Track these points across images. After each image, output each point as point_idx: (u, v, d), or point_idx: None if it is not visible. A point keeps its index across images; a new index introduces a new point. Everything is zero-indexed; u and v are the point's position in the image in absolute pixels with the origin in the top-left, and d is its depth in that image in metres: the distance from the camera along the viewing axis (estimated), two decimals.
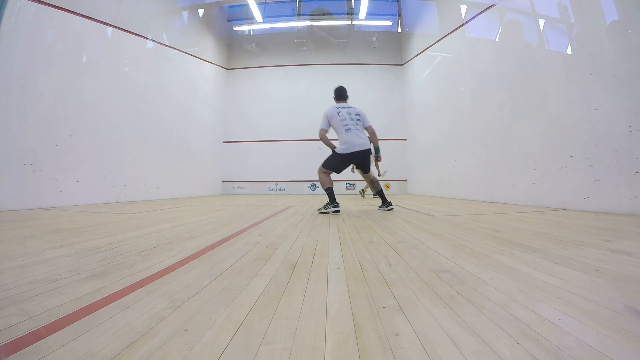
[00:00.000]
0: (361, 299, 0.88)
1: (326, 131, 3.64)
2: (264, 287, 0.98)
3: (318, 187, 9.10)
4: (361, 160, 3.67)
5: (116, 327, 0.70)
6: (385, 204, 3.72)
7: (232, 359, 0.58)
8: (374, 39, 9.37)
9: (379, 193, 3.83)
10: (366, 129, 3.69)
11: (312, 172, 9.06)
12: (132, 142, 5.65)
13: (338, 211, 3.45)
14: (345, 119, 3.58)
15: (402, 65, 9.19)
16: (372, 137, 3.71)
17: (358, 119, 3.63)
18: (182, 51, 7.25)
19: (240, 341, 0.64)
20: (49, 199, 4.14)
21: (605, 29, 3.08)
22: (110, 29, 5.20)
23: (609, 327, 0.67)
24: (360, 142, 3.56)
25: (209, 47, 8.54)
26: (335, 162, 3.63)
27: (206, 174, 8.24)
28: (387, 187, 9.12)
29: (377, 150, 3.84)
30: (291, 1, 9.53)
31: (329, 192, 3.56)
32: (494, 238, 1.78)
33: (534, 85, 4.04)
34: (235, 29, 9.61)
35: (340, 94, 3.79)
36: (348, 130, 3.56)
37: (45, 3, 4.15)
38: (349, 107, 3.68)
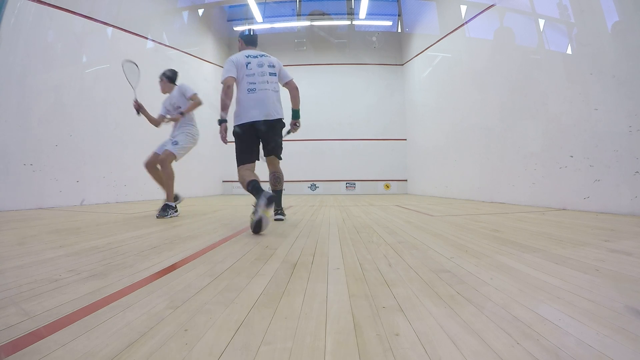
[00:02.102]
0: (361, 299, 0.88)
1: (234, 79, 2.51)
2: (264, 287, 0.98)
3: (318, 187, 9.11)
4: (265, 133, 2.57)
5: (116, 327, 0.70)
6: (279, 213, 2.75)
7: (232, 359, 0.58)
8: (374, 39, 9.36)
9: (277, 194, 2.78)
10: (286, 85, 2.75)
11: (312, 172, 9.14)
12: (132, 142, 5.64)
13: (271, 201, 2.04)
14: (254, 74, 2.52)
15: (402, 65, 9.19)
16: (294, 97, 2.78)
17: (272, 73, 2.59)
18: (182, 51, 7.25)
19: (240, 341, 0.64)
20: (49, 199, 4.14)
21: (607, 29, 3.08)
22: (110, 29, 5.20)
23: (609, 327, 0.67)
24: (265, 110, 2.52)
25: (209, 47, 8.54)
26: (239, 150, 2.56)
27: (206, 174, 8.24)
28: (387, 187, 9.13)
29: (296, 113, 2.85)
30: (291, 1, 9.53)
31: (251, 188, 2.24)
32: (494, 238, 1.78)
33: (534, 85, 4.04)
34: (235, 29, 9.61)
35: (250, 39, 2.77)
36: (252, 90, 2.50)
37: (45, 3, 4.15)
38: (262, 56, 2.62)
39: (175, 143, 3.17)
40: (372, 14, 9.27)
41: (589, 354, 0.58)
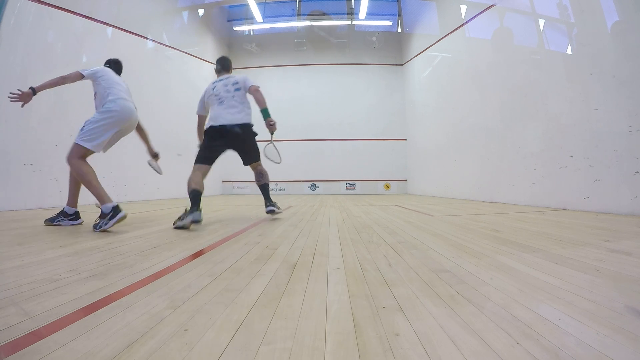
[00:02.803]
0: (361, 299, 0.88)
1: (204, 116, 2.92)
2: (264, 287, 0.98)
3: (318, 187, 9.11)
4: (236, 141, 2.77)
5: (116, 327, 0.70)
6: (269, 205, 2.93)
7: (232, 359, 0.58)
8: (374, 39, 9.37)
9: (263, 189, 3.04)
10: (250, 92, 2.86)
11: (312, 172, 9.15)
12: (132, 142, 5.63)
13: (197, 221, 2.24)
14: (219, 92, 2.80)
15: (402, 65, 9.19)
16: (257, 99, 2.84)
17: (236, 89, 2.81)
18: (182, 51, 7.25)
19: (240, 341, 0.64)
20: (49, 199, 4.14)
21: (607, 29, 3.08)
22: (110, 29, 5.20)
23: (609, 327, 0.67)
24: (231, 116, 2.72)
25: (209, 47, 8.54)
26: (203, 147, 2.78)
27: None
28: (387, 187, 9.13)
29: (264, 113, 2.91)
30: (291, 1, 9.53)
31: (191, 197, 2.43)
32: (494, 238, 1.78)
33: (534, 85, 4.04)
34: (235, 29, 9.62)
35: (223, 64, 3.02)
36: (220, 103, 2.77)
37: (45, 3, 4.15)
38: (227, 78, 2.90)
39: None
40: (372, 14, 9.28)
41: (589, 354, 0.58)
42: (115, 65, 2.90)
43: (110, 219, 2.11)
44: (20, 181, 3.85)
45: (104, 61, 3.00)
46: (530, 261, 1.25)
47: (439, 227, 2.26)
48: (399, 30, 9.40)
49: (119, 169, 5.27)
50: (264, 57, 9.54)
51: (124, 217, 2.17)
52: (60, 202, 4.24)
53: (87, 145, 2.40)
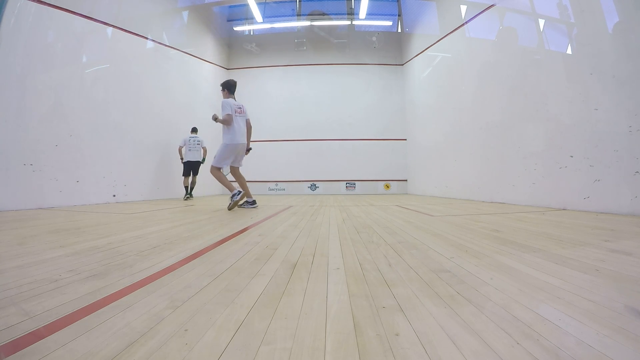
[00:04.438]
0: (361, 299, 0.88)
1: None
2: (264, 287, 0.98)
3: (318, 187, 9.11)
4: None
5: (116, 327, 0.70)
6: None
7: (232, 359, 0.58)
8: (374, 39, 9.37)
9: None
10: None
11: (312, 172, 9.15)
12: (132, 142, 5.65)
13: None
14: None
15: (402, 65, 9.19)
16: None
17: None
18: (182, 51, 7.25)
19: (240, 341, 0.64)
20: (49, 199, 4.14)
21: (607, 29, 3.08)
22: (110, 29, 5.20)
23: (609, 327, 0.67)
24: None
25: (209, 47, 8.54)
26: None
27: (206, 174, 8.24)
28: (387, 187, 9.13)
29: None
30: (291, 1, 9.53)
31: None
32: (494, 238, 1.78)
33: (534, 86, 4.04)
34: (235, 29, 9.61)
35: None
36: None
37: (45, 3, 4.15)
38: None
39: (214, 157, 4.08)
40: (372, 14, 9.28)
41: (589, 354, 0.58)
42: (231, 86, 4.21)
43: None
44: (20, 181, 3.85)
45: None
46: (530, 261, 1.25)
47: (439, 227, 2.26)
48: (399, 30, 9.40)
49: (119, 169, 5.27)
50: (264, 57, 9.54)
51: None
52: (60, 202, 4.26)
53: (222, 165, 4.14)
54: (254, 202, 4.10)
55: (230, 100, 4.02)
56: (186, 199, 6.23)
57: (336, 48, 9.40)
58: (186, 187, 6.47)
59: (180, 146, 6.50)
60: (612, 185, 3.02)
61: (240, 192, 3.81)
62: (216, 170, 4.00)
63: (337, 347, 0.62)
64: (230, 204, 3.76)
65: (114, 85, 5.28)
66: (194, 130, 6.68)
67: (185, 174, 6.46)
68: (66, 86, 4.51)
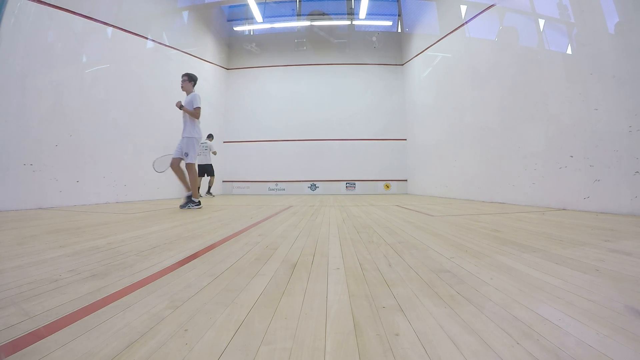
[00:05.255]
0: (361, 299, 0.88)
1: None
2: (264, 287, 0.98)
3: (318, 187, 9.11)
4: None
5: (116, 327, 0.70)
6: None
7: (232, 359, 0.58)
8: (374, 39, 9.37)
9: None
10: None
11: (312, 172, 9.15)
12: (132, 141, 5.65)
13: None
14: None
15: (402, 65, 9.20)
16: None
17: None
18: (182, 51, 7.25)
19: (240, 341, 0.64)
20: (49, 199, 4.14)
21: (607, 29, 3.08)
22: (110, 29, 5.20)
23: (609, 327, 0.67)
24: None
25: (209, 47, 8.54)
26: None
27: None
28: (387, 187, 9.13)
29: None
30: (291, 1, 9.54)
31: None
32: (494, 238, 1.78)
33: (534, 86, 4.04)
34: (235, 29, 9.62)
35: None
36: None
37: (45, 3, 4.15)
38: None
39: (186, 155, 4.00)
40: (372, 14, 9.28)
41: (589, 354, 0.58)
42: (195, 79, 4.27)
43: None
44: (20, 181, 3.85)
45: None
46: (530, 261, 1.25)
47: (439, 227, 2.26)
48: (399, 30, 9.41)
49: (119, 169, 5.27)
50: (264, 57, 9.54)
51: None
52: (60, 202, 4.26)
53: (195, 161, 4.15)
54: (199, 203, 4.06)
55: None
56: (205, 196, 7.25)
57: (336, 48, 9.41)
58: (197, 188, 7.17)
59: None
60: (612, 185, 3.02)
61: (197, 203, 3.96)
62: (177, 164, 3.97)
63: (337, 347, 0.62)
64: (185, 203, 3.89)
65: (114, 85, 5.29)
66: (209, 136, 7.59)
67: (199, 175, 7.28)
68: (66, 86, 4.51)
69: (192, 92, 4.06)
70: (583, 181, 3.30)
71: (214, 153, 7.57)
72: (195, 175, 4.07)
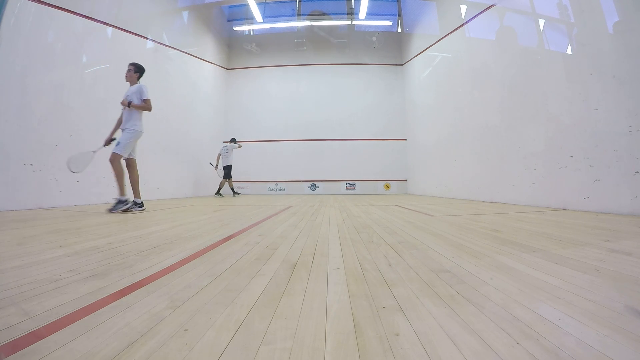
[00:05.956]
0: (361, 299, 0.88)
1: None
2: (264, 287, 0.98)
3: (318, 187, 9.11)
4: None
5: (116, 327, 0.70)
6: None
7: (232, 359, 0.58)
8: (374, 39, 9.38)
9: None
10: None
11: (312, 172, 9.15)
12: None
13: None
14: None
15: (402, 65, 9.20)
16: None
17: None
18: (182, 51, 7.25)
19: (240, 341, 0.64)
20: (49, 199, 4.14)
21: (607, 29, 3.08)
22: (110, 29, 5.20)
23: (609, 327, 0.67)
24: None
25: (209, 47, 8.54)
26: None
27: (206, 174, 8.25)
28: (387, 187, 9.13)
29: None
30: (291, 1, 9.54)
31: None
32: (494, 238, 1.78)
33: (534, 85, 4.04)
34: (235, 29, 9.62)
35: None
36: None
37: (45, 3, 4.15)
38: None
39: (118, 144, 3.66)
40: (372, 14, 9.28)
41: (589, 354, 0.58)
42: (143, 71, 3.96)
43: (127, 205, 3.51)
44: (20, 181, 3.85)
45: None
46: (530, 261, 1.25)
47: (439, 227, 2.26)
48: (399, 30, 9.41)
49: None
50: (264, 57, 9.54)
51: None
52: (60, 202, 4.26)
53: (124, 154, 3.73)
54: (142, 204, 3.80)
55: None
56: (234, 196, 8.05)
57: (336, 48, 9.41)
58: (232, 188, 8.22)
59: (218, 154, 8.04)
60: (612, 185, 3.02)
61: (131, 206, 3.62)
62: (118, 160, 3.58)
63: (337, 347, 0.62)
64: (115, 207, 3.50)
65: (114, 85, 5.28)
66: (232, 140, 8.22)
67: (226, 177, 7.99)
68: (66, 86, 4.51)
69: (136, 83, 3.77)
70: (583, 181, 3.30)
71: (239, 146, 8.13)
72: (123, 170, 3.68)
